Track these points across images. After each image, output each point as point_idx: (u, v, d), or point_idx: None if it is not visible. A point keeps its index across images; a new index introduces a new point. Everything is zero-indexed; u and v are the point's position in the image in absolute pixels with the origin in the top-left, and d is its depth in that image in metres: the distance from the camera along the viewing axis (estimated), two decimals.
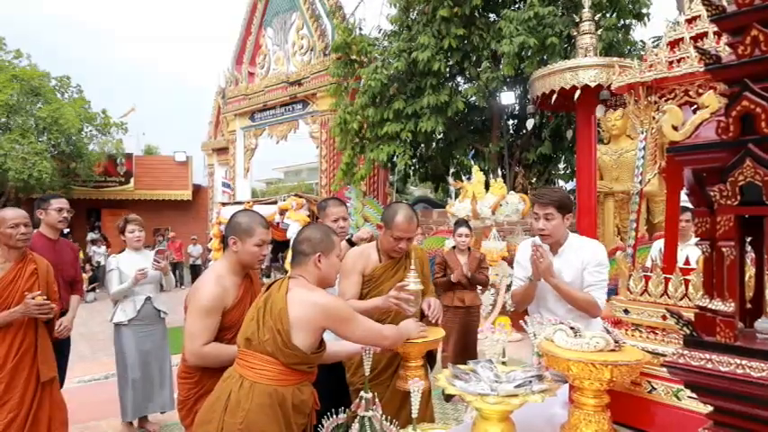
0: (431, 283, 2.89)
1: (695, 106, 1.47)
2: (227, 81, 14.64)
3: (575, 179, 9.87)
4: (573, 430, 1.35)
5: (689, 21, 1.48)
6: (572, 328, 1.40)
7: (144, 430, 4.09)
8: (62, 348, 3.63)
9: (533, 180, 9.70)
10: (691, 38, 1.43)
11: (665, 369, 1.40)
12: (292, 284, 1.96)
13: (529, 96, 6.01)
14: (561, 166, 9.92)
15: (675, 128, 0.94)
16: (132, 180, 16.28)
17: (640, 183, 1.51)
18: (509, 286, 6.91)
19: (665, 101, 1.46)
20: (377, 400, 2.01)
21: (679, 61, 1.42)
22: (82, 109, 14.41)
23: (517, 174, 8.99)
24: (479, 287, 4.99)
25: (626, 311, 1.50)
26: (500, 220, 6.60)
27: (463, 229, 4.68)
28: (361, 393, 1.97)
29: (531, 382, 1.30)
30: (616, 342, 1.34)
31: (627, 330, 1.48)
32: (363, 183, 9.86)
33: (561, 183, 10.37)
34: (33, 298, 2.90)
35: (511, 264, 6.89)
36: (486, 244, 6.51)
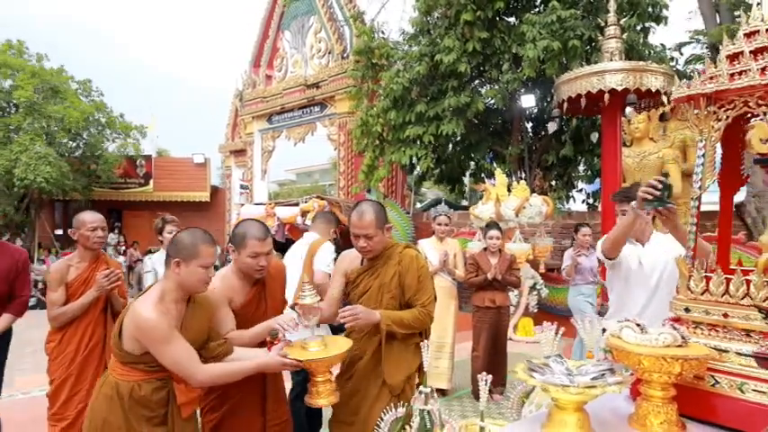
0: (423, 293, 2.54)
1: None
2: (245, 84, 14.84)
3: (595, 181, 9.93)
4: (641, 421, 1.44)
5: (747, 35, 1.56)
6: (638, 324, 1.49)
7: None
8: None
9: (553, 182, 9.76)
10: (750, 51, 1.52)
11: (727, 364, 1.49)
12: (148, 290, 2.19)
13: (554, 100, 6.08)
14: (582, 168, 9.97)
15: (764, 141, 1.02)
16: (151, 182, 16.52)
17: (699, 188, 1.59)
18: (532, 288, 7.00)
19: (724, 111, 1.54)
20: (434, 394, 2.11)
21: (740, 74, 1.50)
22: (104, 112, 14.65)
23: (536, 176, 9.05)
24: (510, 288, 5.08)
25: (687, 310, 1.58)
26: (523, 222, 6.68)
27: (494, 232, 4.76)
28: (420, 388, 2.07)
29: (604, 374, 1.39)
30: (683, 338, 1.43)
31: (687, 328, 1.57)
32: (381, 184, 9.99)
33: (582, 185, 10.42)
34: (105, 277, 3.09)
35: (534, 266, 7.00)
36: (509, 246, 6.59)
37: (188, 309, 2.20)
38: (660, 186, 1.91)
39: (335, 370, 2.54)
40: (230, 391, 2.50)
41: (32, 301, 13.04)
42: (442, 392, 4.81)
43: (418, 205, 13.44)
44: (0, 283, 3.19)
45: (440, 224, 4.93)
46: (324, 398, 2.27)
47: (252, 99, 14.38)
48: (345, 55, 11.70)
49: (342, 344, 2.30)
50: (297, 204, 9.24)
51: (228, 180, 16.83)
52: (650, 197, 1.94)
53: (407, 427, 2.25)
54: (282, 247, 6.40)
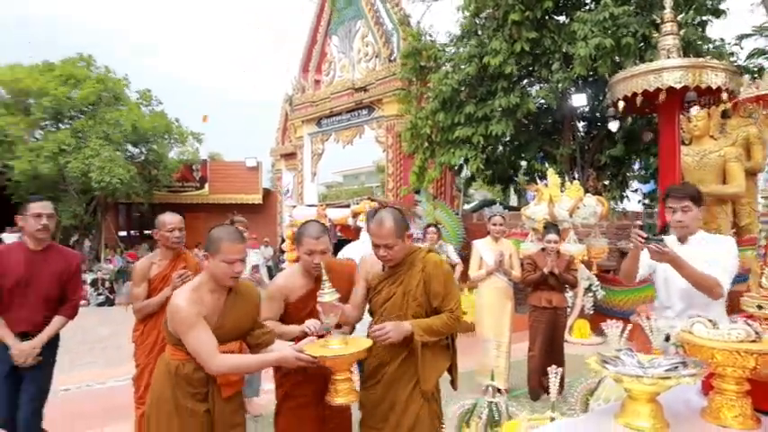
0: (450, 298, 2.51)
1: None
2: (294, 89, 15.24)
3: (652, 181, 9.69)
4: (715, 414, 1.49)
5: None
6: (710, 320, 1.54)
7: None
8: (28, 379, 3.19)
9: (606, 182, 9.59)
10: None
11: None
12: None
13: (607, 99, 6.02)
14: (636, 167, 9.75)
15: None
16: (207, 185, 17.18)
17: None
18: (587, 289, 6.92)
19: None
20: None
21: None
22: (162, 120, 15.37)
23: (590, 176, 8.92)
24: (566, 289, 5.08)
25: (759, 307, 1.61)
26: (577, 223, 6.62)
27: (553, 236, 4.78)
28: (488, 382, 2.17)
29: (677, 367, 1.45)
30: (756, 333, 1.47)
31: (760, 324, 1.60)
32: (431, 186, 10.06)
33: (637, 184, 10.19)
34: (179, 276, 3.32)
35: (589, 266, 6.92)
36: (564, 247, 6.55)
37: (228, 298, 2.36)
38: (644, 235, 2.40)
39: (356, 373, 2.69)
40: (306, 382, 2.66)
41: (101, 299, 13.84)
42: (498, 392, 4.86)
43: (466, 207, 13.45)
44: (53, 285, 3.24)
45: (494, 224, 4.99)
46: (342, 396, 2.31)
47: (301, 103, 14.73)
48: (392, 58, 11.85)
49: (361, 343, 2.34)
50: (348, 206, 9.45)
51: (279, 183, 17.30)
52: (642, 240, 2.39)
53: (475, 419, 2.37)
54: (335, 247, 6.59)
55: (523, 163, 10.82)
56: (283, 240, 11.53)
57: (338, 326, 2.43)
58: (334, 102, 13.48)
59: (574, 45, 7.50)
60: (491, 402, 2.10)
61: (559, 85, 7.85)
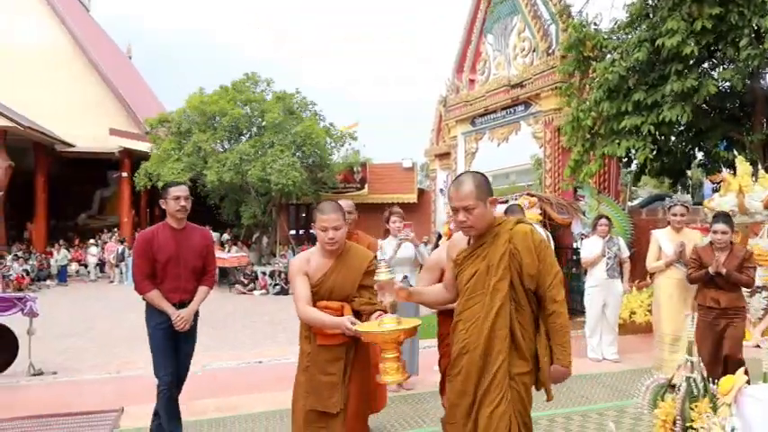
0: (547, 272, 2.21)
1: None
2: (448, 89, 15.59)
3: None
4: None
5: None
6: None
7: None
8: (184, 340, 3.69)
9: None
10: None
11: None
12: None
13: None
14: None
15: None
16: (366, 186, 18.30)
17: None
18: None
19: None
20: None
21: None
22: (324, 125, 16.83)
23: None
24: (745, 289, 4.53)
25: None
26: None
27: (720, 226, 4.18)
28: (685, 356, 2.16)
29: None
30: None
31: None
32: (592, 180, 9.61)
33: None
34: None
35: None
36: (754, 241, 5.90)
37: (335, 262, 2.77)
38: None
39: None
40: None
41: (277, 289, 15.54)
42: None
43: (634, 203, 12.57)
44: (196, 258, 3.69)
45: (675, 214, 4.70)
46: (389, 375, 2.36)
47: (455, 104, 15.00)
48: (551, 51, 11.57)
49: (410, 322, 2.38)
50: (506, 202, 9.45)
51: (434, 182, 17.78)
52: None
53: (669, 393, 2.35)
54: None
55: (700, 154, 9.82)
56: (440, 237, 11.86)
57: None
58: (489, 100, 13.50)
59: (765, 18, 6.68)
60: (689, 377, 2.09)
61: (749, 63, 7.03)
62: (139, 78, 34.38)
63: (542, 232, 4.03)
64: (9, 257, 16.77)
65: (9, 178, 17.56)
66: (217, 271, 16.34)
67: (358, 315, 2.64)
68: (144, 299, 3.64)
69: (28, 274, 16.52)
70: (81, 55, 21.84)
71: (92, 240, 19.81)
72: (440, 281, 2.95)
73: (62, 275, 18.11)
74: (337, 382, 2.71)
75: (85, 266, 19.53)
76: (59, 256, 18.39)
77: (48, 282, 17.59)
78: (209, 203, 18.39)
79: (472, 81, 14.89)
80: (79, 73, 21.61)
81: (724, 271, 4.09)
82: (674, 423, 2.19)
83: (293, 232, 19.76)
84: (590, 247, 6.10)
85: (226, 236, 18.78)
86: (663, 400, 2.30)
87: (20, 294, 7.38)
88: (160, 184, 15.38)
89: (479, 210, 2.23)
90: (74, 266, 19.26)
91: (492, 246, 2.25)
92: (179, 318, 3.56)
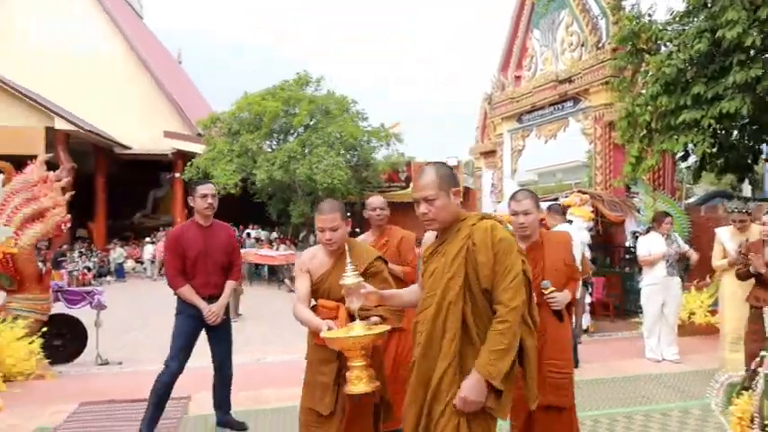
0: (503, 277, 2.01)
1: None
2: (493, 87, 15.45)
3: None
4: None
5: None
6: None
7: None
8: (219, 334, 3.88)
9: None
10: None
11: None
12: None
13: None
14: None
15: None
16: (411, 184, 18.34)
17: None
18: None
19: None
20: None
21: None
22: (368, 126, 17.00)
23: None
24: None
25: None
26: None
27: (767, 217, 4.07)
28: (762, 352, 2.11)
29: None
30: None
31: None
32: (647, 177, 9.34)
33: None
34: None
35: None
36: None
37: (336, 261, 2.76)
38: None
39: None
40: None
41: None
42: None
43: (691, 200, 12.14)
44: (222, 254, 3.83)
45: (734, 221, 4.55)
46: (355, 385, 2.27)
47: (501, 101, 14.85)
48: (600, 45, 11.31)
49: (377, 329, 2.31)
50: (557, 200, 9.30)
51: (479, 180, 17.66)
52: None
53: (746, 390, 2.30)
54: None
55: (765, 147, 9.37)
56: None
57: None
58: (537, 96, 13.30)
59: None
60: (767, 374, 2.04)
61: None
62: (189, 81, 35.55)
63: (580, 235, 3.97)
64: (74, 254, 17.72)
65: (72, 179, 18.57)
66: (266, 268, 16.92)
67: (353, 318, 2.48)
68: (176, 294, 3.78)
69: (90, 270, 17.41)
70: (136, 61, 22.83)
71: (147, 239, 20.67)
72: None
73: (120, 272, 18.98)
74: (329, 383, 2.67)
75: (141, 263, 20.39)
76: (116, 254, 19.28)
77: (108, 278, 18.48)
78: (258, 202, 18.89)
79: (518, 78, 14.72)
80: (135, 78, 22.61)
81: (764, 270, 3.89)
82: (752, 420, 2.14)
83: None
84: (649, 245, 5.94)
85: (274, 234, 19.23)
86: (738, 398, 2.25)
87: (88, 288, 7.82)
88: (216, 186, 15.94)
89: (441, 201, 2.09)
90: (130, 263, 20.15)
91: (452, 243, 2.10)
92: (210, 312, 3.70)
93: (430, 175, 2.10)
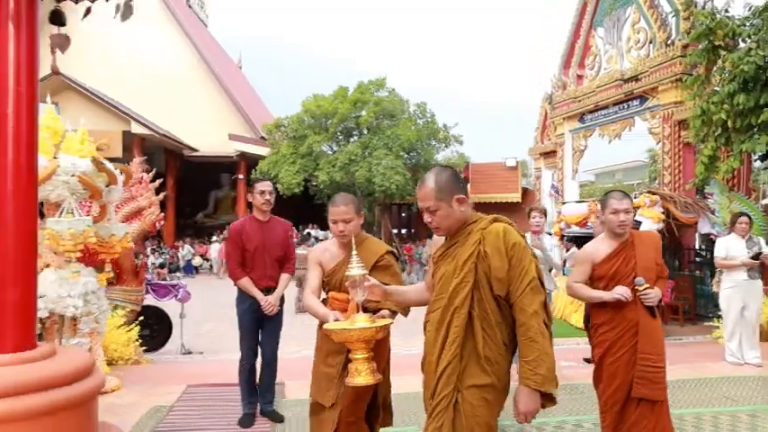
0: (519, 279, 2.00)
1: None
2: (554, 87, 15.28)
3: None
4: None
5: None
6: None
7: None
8: (271, 325, 4.03)
9: None
10: None
11: None
12: None
13: None
14: None
15: None
16: (469, 185, 18.36)
17: None
18: None
19: None
20: None
21: None
22: (432, 126, 17.11)
23: None
24: None
25: None
26: None
27: None
28: None
29: None
30: None
31: None
32: (721, 177, 9.06)
33: None
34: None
35: None
36: None
37: (349, 252, 2.56)
38: None
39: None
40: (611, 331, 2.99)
41: None
42: None
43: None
44: (278, 248, 4.03)
45: None
46: (360, 377, 2.26)
47: (562, 101, 14.67)
48: (670, 42, 11.04)
49: (381, 322, 2.29)
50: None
51: (538, 181, 17.48)
52: None
53: None
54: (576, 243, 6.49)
55: None
56: (549, 235, 11.70)
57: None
58: (600, 95, 13.08)
59: None
60: None
61: None
62: (249, 86, 36.80)
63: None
64: (147, 251, 18.82)
65: None
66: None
67: (365, 310, 2.42)
68: (236, 285, 4.04)
69: (162, 266, 18.43)
70: (204, 67, 23.91)
71: (215, 237, 21.62)
72: (590, 274, 3.08)
73: (188, 268, 19.96)
74: (335, 375, 2.70)
75: (208, 260, 21.35)
76: (184, 251, 20.26)
77: (177, 274, 19.48)
78: (319, 203, 19.42)
79: (580, 77, 14.50)
80: (203, 84, 23.70)
81: None
82: None
83: (395, 231, 20.28)
84: (726, 247, 5.83)
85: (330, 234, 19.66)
86: None
87: (174, 282, 8.35)
88: (280, 187, 16.53)
89: (442, 210, 2.07)
90: (197, 260, 21.14)
91: (462, 246, 2.08)
92: (267, 303, 3.90)
93: (429, 185, 2.09)
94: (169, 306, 7.70)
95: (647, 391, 2.84)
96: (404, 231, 21.30)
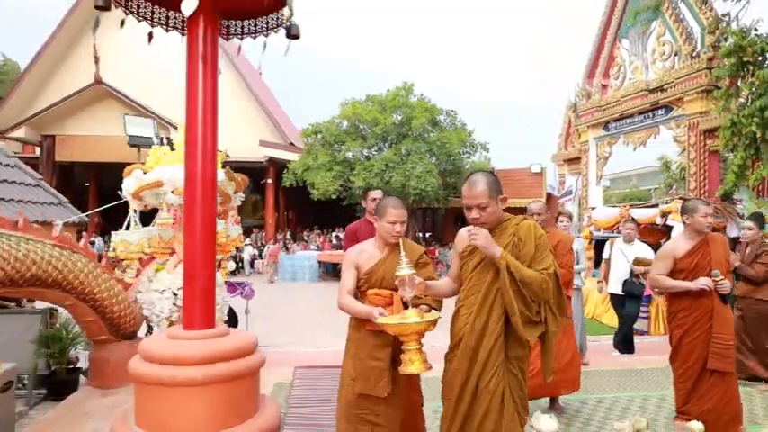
0: (543, 261, 2.43)
1: None
2: (578, 95, 15.85)
3: None
4: None
5: None
6: None
7: None
8: None
9: None
10: None
11: None
12: None
13: None
14: None
15: None
16: None
17: None
18: None
19: None
20: None
21: None
22: (462, 135, 17.72)
23: None
24: None
25: None
26: None
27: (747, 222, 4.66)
28: None
29: None
30: None
31: None
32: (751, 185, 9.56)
33: None
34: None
35: None
36: None
37: (391, 251, 2.89)
38: None
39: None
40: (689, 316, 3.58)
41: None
42: None
43: None
44: None
45: None
46: (414, 366, 2.45)
47: (587, 109, 15.23)
48: (695, 54, 11.59)
49: (431, 316, 2.49)
50: (656, 206, 9.71)
51: (562, 187, 18.00)
52: None
53: None
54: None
55: None
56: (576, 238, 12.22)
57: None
58: (625, 105, 13.62)
59: None
60: None
61: None
62: (270, 92, 37.57)
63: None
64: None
65: None
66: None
67: (406, 306, 2.62)
68: None
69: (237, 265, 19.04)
70: (237, 75, 24.58)
71: (247, 240, 22.30)
72: (672, 269, 3.66)
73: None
74: (385, 367, 2.79)
75: (239, 262, 22.01)
76: (244, 252, 20.74)
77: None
78: (344, 205, 20.05)
79: (604, 86, 15.05)
80: (235, 90, 24.32)
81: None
82: None
83: (420, 234, 20.90)
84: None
85: None
86: None
87: (240, 280, 8.98)
88: (315, 192, 17.12)
89: (492, 207, 2.45)
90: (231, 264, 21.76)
91: (499, 239, 2.45)
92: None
93: (481, 184, 2.46)
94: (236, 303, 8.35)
95: (721, 364, 3.47)
96: (428, 235, 21.92)
